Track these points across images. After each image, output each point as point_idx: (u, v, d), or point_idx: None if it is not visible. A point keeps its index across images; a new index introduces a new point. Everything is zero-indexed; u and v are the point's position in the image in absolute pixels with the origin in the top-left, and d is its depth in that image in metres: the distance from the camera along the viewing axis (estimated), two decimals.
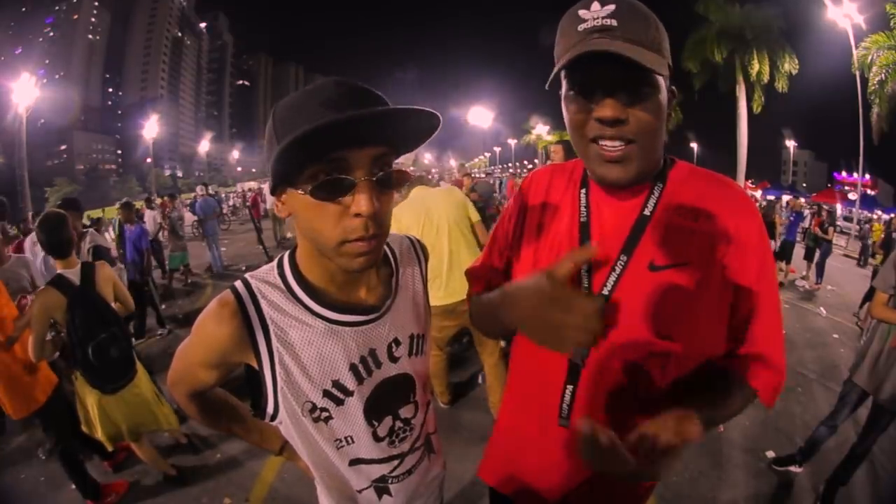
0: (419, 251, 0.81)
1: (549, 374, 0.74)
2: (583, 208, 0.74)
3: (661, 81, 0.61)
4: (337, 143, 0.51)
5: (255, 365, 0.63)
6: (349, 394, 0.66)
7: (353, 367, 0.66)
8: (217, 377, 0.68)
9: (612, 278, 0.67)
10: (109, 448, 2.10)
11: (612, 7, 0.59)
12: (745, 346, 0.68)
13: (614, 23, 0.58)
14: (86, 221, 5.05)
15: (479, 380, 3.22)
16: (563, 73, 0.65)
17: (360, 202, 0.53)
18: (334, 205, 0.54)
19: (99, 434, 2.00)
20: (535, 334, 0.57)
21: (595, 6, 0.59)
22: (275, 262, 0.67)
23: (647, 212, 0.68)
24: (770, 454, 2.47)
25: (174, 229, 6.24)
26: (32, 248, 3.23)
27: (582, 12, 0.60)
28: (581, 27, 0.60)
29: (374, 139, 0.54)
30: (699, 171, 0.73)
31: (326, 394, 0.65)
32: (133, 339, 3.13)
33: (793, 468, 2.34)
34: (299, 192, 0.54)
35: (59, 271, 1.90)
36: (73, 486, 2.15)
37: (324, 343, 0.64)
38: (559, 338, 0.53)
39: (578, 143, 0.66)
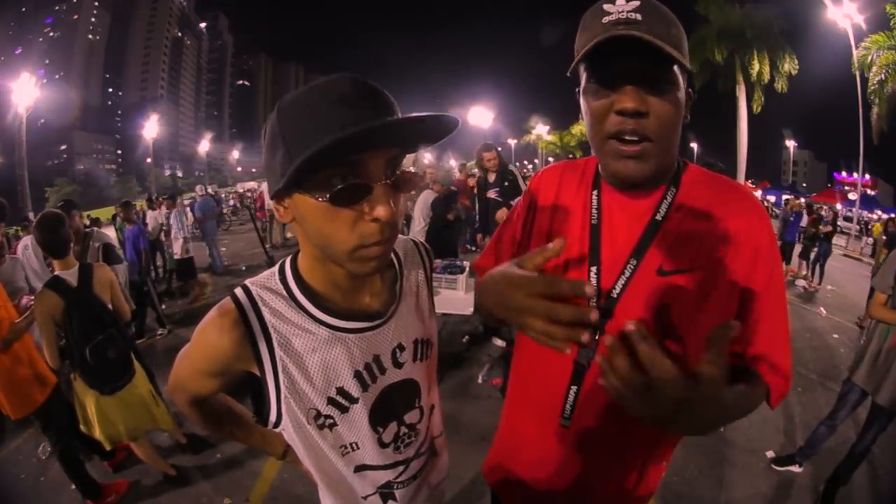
0: (424, 254, 0.79)
1: (552, 375, 0.74)
2: (594, 210, 0.73)
3: (681, 79, 0.62)
4: (356, 147, 0.48)
5: (258, 373, 0.61)
6: (354, 401, 0.65)
7: (357, 374, 0.65)
8: (219, 385, 0.67)
9: (622, 281, 0.67)
10: (108, 448, 2.10)
11: (637, 3, 0.59)
12: (752, 349, 0.68)
13: (639, 17, 0.58)
14: (85, 221, 5.04)
15: (479, 379, 3.23)
16: (582, 67, 0.64)
17: (379, 207, 0.51)
18: (349, 210, 0.51)
19: (97, 434, 2.00)
20: (503, 316, 0.57)
21: (620, 1, 0.60)
22: (276, 268, 0.65)
23: (658, 217, 0.68)
24: (770, 454, 2.47)
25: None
26: (24, 252, 3.12)
27: (607, 6, 0.60)
28: (605, 20, 0.59)
29: (390, 141, 0.52)
30: (711, 175, 0.73)
31: (331, 401, 0.64)
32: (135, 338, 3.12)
33: (793, 468, 2.34)
34: (311, 197, 0.51)
35: (55, 273, 1.90)
36: (73, 486, 2.16)
37: (328, 351, 0.62)
38: (519, 321, 0.53)
39: (595, 137, 0.65)
